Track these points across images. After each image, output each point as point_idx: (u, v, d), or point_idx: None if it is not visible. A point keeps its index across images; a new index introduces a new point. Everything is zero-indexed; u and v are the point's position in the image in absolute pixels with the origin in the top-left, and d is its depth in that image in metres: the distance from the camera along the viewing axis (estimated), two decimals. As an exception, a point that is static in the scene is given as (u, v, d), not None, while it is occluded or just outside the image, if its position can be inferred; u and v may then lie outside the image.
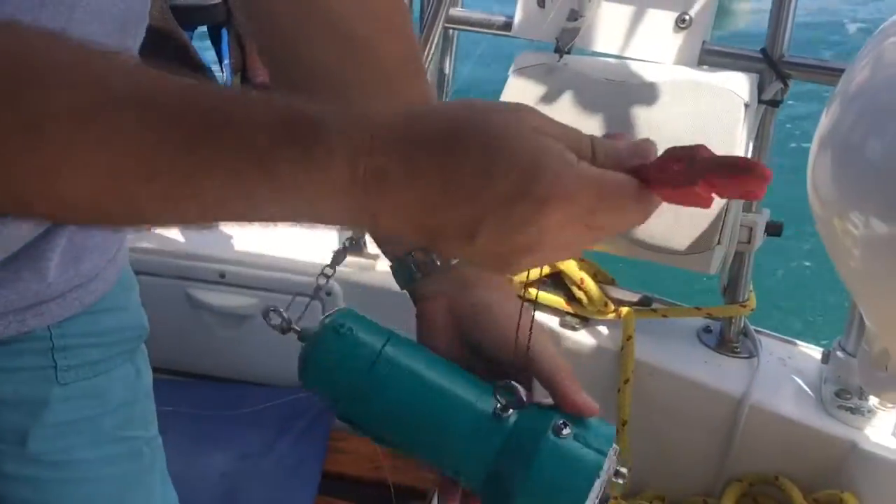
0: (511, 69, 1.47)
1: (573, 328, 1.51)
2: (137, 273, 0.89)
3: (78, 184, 0.46)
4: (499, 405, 0.55)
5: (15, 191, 0.46)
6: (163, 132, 0.45)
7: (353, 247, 1.69)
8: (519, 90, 1.45)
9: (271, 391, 1.63)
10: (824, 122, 0.97)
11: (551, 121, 0.48)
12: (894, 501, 1.19)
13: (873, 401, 1.31)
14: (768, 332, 1.57)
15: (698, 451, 1.44)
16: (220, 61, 3.05)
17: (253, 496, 1.42)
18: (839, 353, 1.36)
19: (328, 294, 1.60)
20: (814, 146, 0.99)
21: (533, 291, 1.48)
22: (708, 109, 1.33)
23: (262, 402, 1.60)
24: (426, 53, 1.52)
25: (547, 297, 1.52)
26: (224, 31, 2.94)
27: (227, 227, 1.72)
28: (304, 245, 1.73)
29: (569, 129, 0.48)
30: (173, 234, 1.71)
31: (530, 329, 0.59)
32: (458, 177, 0.45)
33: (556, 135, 0.47)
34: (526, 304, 0.59)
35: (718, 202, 1.35)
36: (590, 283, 1.49)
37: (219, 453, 1.48)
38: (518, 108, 0.47)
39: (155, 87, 0.46)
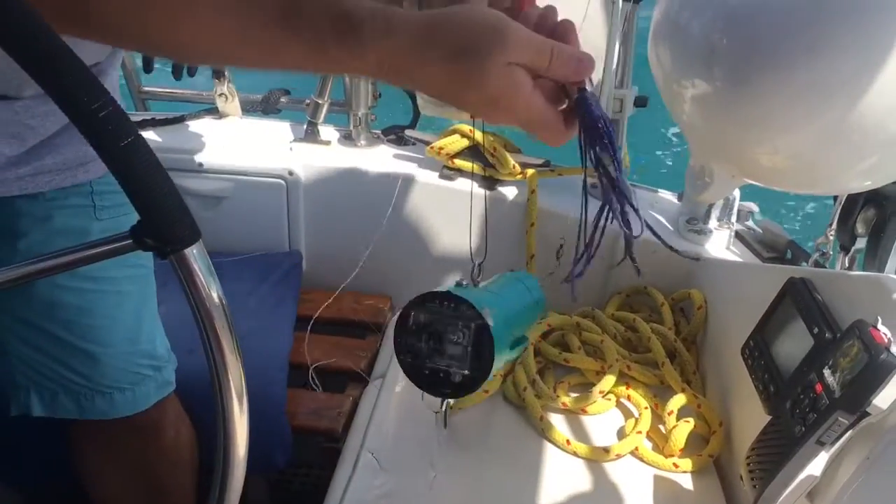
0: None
1: (489, 188, 1.90)
2: None
3: (193, 35, 0.66)
4: None
5: (148, 35, 0.66)
6: (251, 12, 0.64)
7: (309, 135, 2.06)
8: None
9: (247, 256, 1.97)
10: (658, 11, 1.35)
11: (523, 44, 0.65)
12: (723, 290, 1.61)
13: (713, 223, 1.75)
14: (641, 184, 2.00)
15: (588, 274, 1.86)
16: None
17: (243, 326, 1.71)
18: (695, 199, 1.79)
19: (290, 174, 1.95)
20: (651, 30, 1.37)
21: (458, 162, 1.91)
22: (587, 8, 1.71)
23: (241, 263, 1.92)
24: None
25: (467, 164, 1.90)
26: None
27: (202, 127, 2.05)
28: (265, 138, 2.06)
29: (535, 43, 0.66)
30: (157, 135, 2.01)
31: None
32: (450, 83, 0.65)
33: (523, 59, 0.65)
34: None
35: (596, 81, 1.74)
36: (501, 151, 1.87)
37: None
38: (503, 43, 0.64)
39: None
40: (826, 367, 1.06)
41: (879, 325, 1.02)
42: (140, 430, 1.32)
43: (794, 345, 1.21)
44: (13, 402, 1.23)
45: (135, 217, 0.67)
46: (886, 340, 1.00)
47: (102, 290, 1.18)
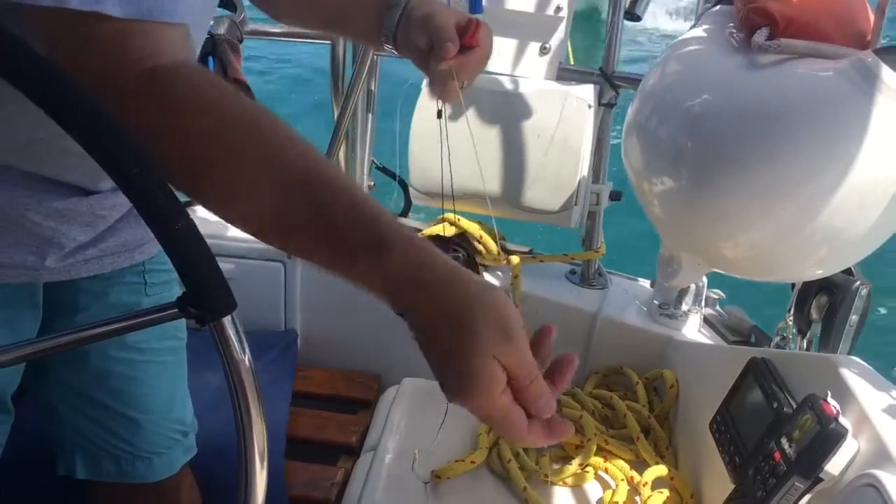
0: (424, 83, 1.97)
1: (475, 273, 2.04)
2: None
3: (241, 214, 0.80)
4: None
5: (202, 197, 0.80)
6: (306, 217, 0.74)
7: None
8: (429, 100, 1.95)
9: (246, 333, 2.06)
10: (630, 114, 1.50)
11: (517, 353, 0.71)
12: (693, 370, 1.74)
13: (684, 308, 1.89)
14: (616, 272, 2.15)
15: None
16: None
17: None
18: (666, 284, 1.93)
19: (289, 258, 2.07)
20: (624, 132, 1.52)
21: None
22: (564, 109, 1.88)
23: (239, 342, 2.02)
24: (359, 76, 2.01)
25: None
26: (210, 59, 3.25)
27: (205, 212, 2.17)
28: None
29: (526, 362, 0.72)
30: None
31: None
32: (435, 337, 0.73)
33: (510, 364, 0.71)
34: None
35: (576, 179, 1.90)
36: (487, 239, 2.01)
37: (210, 374, 1.87)
38: (504, 340, 0.70)
39: (311, 177, 0.75)
40: (784, 436, 1.18)
41: (829, 399, 1.14)
42: (163, 494, 1.40)
43: (756, 418, 1.32)
44: (60, 463, 1.33)
45: (175, 292, 0.78)
46: (835, 412, 1.12)
47: (147, 361, 1.30)
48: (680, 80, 1.41)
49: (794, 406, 1.23)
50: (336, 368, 2.04)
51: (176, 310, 0.85)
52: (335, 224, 0.73)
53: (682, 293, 1.86)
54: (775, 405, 1.28)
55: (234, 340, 0.89)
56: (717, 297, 1.94)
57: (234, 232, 2.09)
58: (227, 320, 0.86)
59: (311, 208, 0.74)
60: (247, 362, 0.92)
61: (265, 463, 0.98)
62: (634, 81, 1.93)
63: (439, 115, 1.21)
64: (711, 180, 1.32)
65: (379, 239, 0.73)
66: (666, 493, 1.52)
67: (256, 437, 0.97)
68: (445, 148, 1.20)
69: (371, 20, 1.11)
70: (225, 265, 2.06)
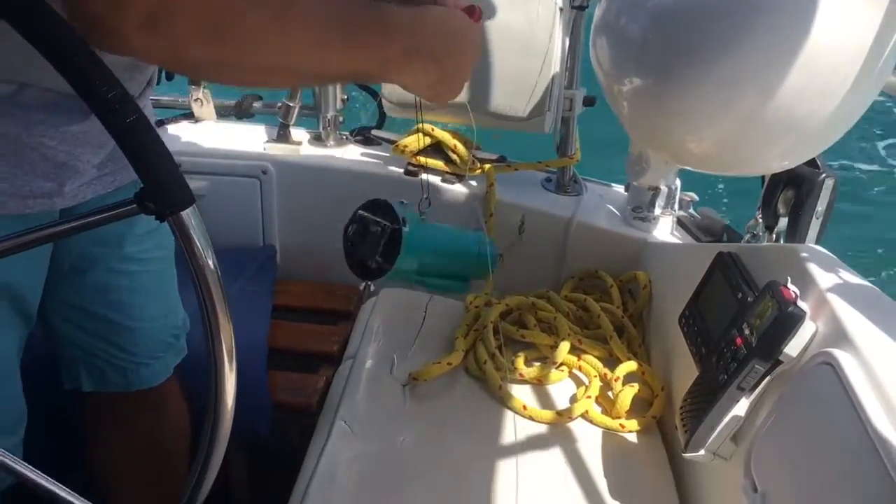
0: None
1: (451, 182, 2.04)
2: None
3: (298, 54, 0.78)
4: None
5: (258, 63, 0.76)
6: (330, 32, 0.77)
7: (281, 136, 2.19)
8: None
9: (222, 250, 2.07)
10: (597, 14, 1.50)
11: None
12: (665, 270, 1.76)
13: (657, 211, 1.90)
14: (591, 178, 2.16)
15: (543, 260, 2.01)
16: None
17: None
18: (635, 183, 1.94)
19: (264, 173, 2.08)
20: (592, 32, 1.52)
21: (421, 158, 2.09)
22: (533, 11, 1.86)
23: (218, 255, 2.04)
24: None
25: (430, 161, 2.04)
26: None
27: (179, 130, 2.17)
28: (239, 139, 2.18)
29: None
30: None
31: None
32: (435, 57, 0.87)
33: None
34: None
35: (546, 84, 1.89)
36: (461, 149, 2.01)
37: (192, 291, 1.91)
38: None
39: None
40: (745, 323, 1.21)
41: (789, 284, 1.17)
42: (157, 400, 1.44)
43: (722, 310, 1.35)
44: (65, 378, 1.37)
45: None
46: (794, 296, 1.15)
47: (146, 271, 1.33)
48: (644, -25, 1.40)
49: (756, 294, 1.25)
50: (316, 281, 2.07)
51: (134, 205, 0.86)
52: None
53: (655, 196, 1.87)
54: (739, 296, 1.31)
55: (196, 234, 0.90)
56: (689, 199, 1.96)
57: (207, 148, 2.10)
58: (186, 214, 0.87)
59: None
60: (210, 258, 0.94)
61: (234, 364, 1.00)
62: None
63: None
64: (673, 74, 1.32)
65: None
66: (637, 386, 1.56)
67: (224, 338, 0.99)
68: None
69: None
70: (198, 183, 2.09)
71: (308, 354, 1.86)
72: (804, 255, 1.24)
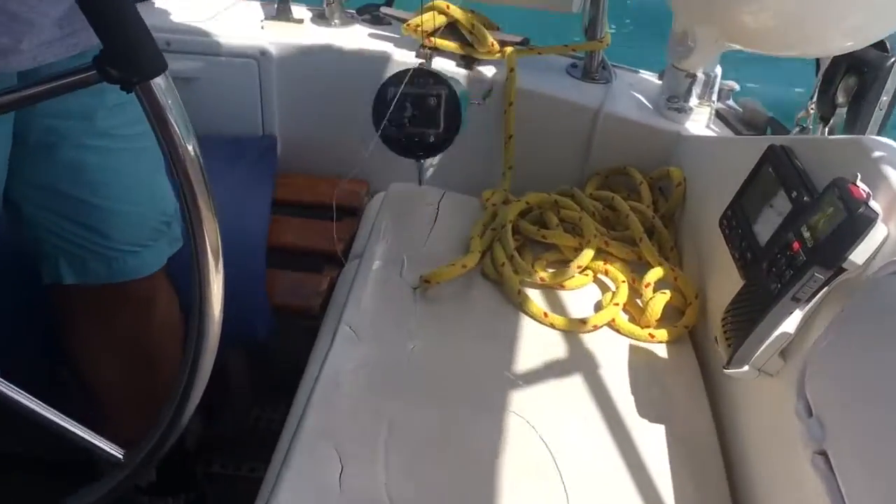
0: None
1: (468, 67, 1.86)
2: None
3: None
4: None
5: None
6: None
7: (281, 13, 2.00)
8: None
9: (218, 138, 1.92)
10: None
11: None
12: (702, 164, 1.61)
13: (693, 101, 1.72)
14: (622, 65, 1.97)
15: (567, 154, 1.85)
16: None
17: (221, 208, 1.71)
18: (676, 66, 1.75)
19: (262, 54, 1.89)
20: None
21: (435, 40, 1.89)
22: None
23: (212, 146, 1.88)
24: None
25: (445, 42, 1.86)
26: None
27: (168, 3, 1.98)
28: (235, 15, 1.99)
29: None
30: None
31: None
32: None
33: None
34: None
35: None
36: (479, 29, 1.82)
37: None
38: None
39: None
40: (804, 225, 1.06)
41: (858, 182, 1.02)
42: (144, 294, 1.33)
43: (772, 211, 1.21)
44: (44, 272, 1.25)
45: None
46: (865, 195, 1.00)
47: (122, 148, 1.19)
48: None
49: (817, 195, 1.10)
50: (319, 175, 1.91)
51: (93, 72, 0.71)
52: None
53: (692, 84, 1.69)
54: (794, 195, 1.16)
55: (169, 109, 0.76)
56: (729, 88, 1.78)
57: (198, 24, 1.92)
58: (157, 83, 0.73)
59: None
60: (191, 142, 0.79)
61: (220, 263, 0.87)
62: None
63: None
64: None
65: None
66: (668, 293, 1.43)
67: (207, 228, 0.85)
68: None
69: None
70: (189, 63, 1.91)
71: (310, 253, 1.74)
72: (874, 149, 1.08)
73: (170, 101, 0.72)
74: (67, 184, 1.16)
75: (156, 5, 1.97)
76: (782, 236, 1.12)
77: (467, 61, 1.85)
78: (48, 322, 1.39)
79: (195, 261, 0.85)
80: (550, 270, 1.51)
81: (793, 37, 1.18)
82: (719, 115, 1.76)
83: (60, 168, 1.14)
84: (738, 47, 1.29)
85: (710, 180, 1.54)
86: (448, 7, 1.81)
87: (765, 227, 1.21)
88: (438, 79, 1.05)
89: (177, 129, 0.76)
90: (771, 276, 1.09)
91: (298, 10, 1.99)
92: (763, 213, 1.24)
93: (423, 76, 1.06)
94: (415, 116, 1.10)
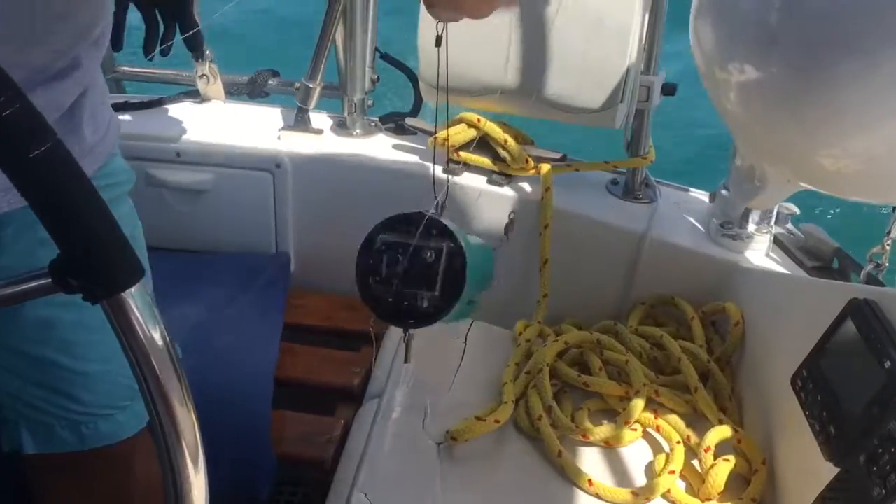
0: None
1: (499, 184, 1.71)
2: None
3: None
4: None
5: None
6: None
7: (299, 123, 1.87)
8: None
9: (228, 256, 1.79)
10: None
11: None
12: (764, 304, 1.44)
13: (751, 228, 1.55)
14: (666, 181, 1.81)
15: (608, 281, 1.68)
16: None
17: (222, 339, 1.54)
18: (723, 192, 1.58)
19: (278, 166, 1.76)
20: (693, 9, 1.18)
21: (464, 154, 1.72)
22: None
23: (221, 265, 1.74)
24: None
25: (475, 158, 1.71)
26: None
27: (181, 111, 1.86)
28: (250, 125, 1.86)
29: None
30: (130, 118, 1.82)
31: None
32: None
33: None
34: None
35: (622, 70, 1.55)
36: (512, 144, 1.68)
37: (188, 307, 1.59)
38: None
39: None
40: (909, 413, 0.88)
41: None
42: (120, 459, 1.16)
43: (859, 380, 1.03)
44: (3, 440, 1.09)
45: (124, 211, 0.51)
46: None
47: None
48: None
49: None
50: (336, 294, 1.76)
51: (48, 280, 0.56)
52: None
53: (749, 209, 1.52)
54: (888, 364, 0.98)
55: (143, 320, 0.60)
56: (788, 212, 1.61)
57: (213, 134, 1.79)
58: (131, 295, 0.58)
59: None
60: (160, 343, 0.64)
61: (200, 466, 0.71)
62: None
63: (438, 42, 0.91)
64: (818, 68, 0.98)
65: None
66: (732, 460, 1.24)
67: (186, 439, 0.69)
68: (465, 32, 0.89)
69: None
70: (201, 175, 1.77)
71: (323, 389, 1.56)
72: None
73: (143, 317, 0.57)
74: (36, 345, 1.01)
75: (168, 113, 1.85)
76: (878, 420, 0.94)
77: (498, 178, 1.71)
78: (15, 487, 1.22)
79: (167, 466, 0.68)
80: (593, 424, 1.32)
81: (879, 185, 1.03)
82: (778, 241, 1.59)
83: (29, 328, 1.00)
84: (810, 188, 1.13)
85: (775, 324, 1.36)
86: (479, 120, 1.67)
87: (851, 397, 1.03)
88: (445, 230, 0.87)
89: (149, 335, 0.60)
90: (872, 476, 0.91)
91: (319, 118, 1.86)
92: (847, 379, 1.06)
93: (428, 224, 0.88)
94: (407, 273, 0.90)
